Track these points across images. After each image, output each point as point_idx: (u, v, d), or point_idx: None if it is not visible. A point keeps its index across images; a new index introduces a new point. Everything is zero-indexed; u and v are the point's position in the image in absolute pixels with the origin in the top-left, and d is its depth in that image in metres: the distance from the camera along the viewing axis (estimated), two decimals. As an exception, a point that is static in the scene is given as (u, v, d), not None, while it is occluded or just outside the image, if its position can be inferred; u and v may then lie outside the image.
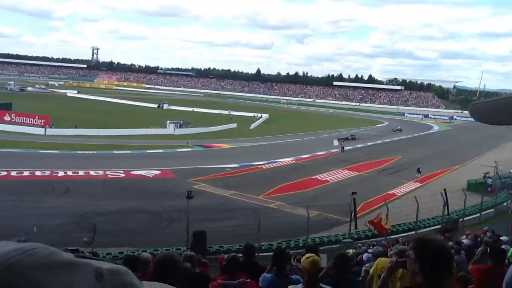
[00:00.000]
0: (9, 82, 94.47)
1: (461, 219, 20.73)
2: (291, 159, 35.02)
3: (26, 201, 20.26)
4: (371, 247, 14.21)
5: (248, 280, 4.92)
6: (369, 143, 47.30)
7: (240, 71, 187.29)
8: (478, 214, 21.96)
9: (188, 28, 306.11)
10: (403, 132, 59.78)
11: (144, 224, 17.94)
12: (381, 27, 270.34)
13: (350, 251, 12.38)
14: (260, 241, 15.22)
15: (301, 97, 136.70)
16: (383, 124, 72.37)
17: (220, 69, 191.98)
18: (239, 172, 29.24)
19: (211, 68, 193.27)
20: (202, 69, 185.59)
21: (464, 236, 12.84)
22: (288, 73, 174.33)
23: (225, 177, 27.33)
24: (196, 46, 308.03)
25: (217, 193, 23.71)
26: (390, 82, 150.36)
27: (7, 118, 45.61)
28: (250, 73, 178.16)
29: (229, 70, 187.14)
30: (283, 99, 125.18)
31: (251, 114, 68.36)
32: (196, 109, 72.66)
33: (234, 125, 55.64)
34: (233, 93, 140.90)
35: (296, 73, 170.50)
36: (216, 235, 15.85)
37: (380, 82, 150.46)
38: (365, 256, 9.72)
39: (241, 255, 5.85)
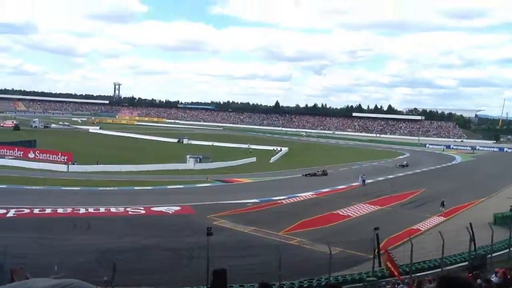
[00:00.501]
0: (34, 120, 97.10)
1: (489, 255, 20.02)
2: (311, 193, 34.73)
3: (48, 238, 20.44)
4: (396, 286, 13.84)
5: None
6: (390, 176, 46.70)
7: (259, 103, 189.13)
8: (507, 250, 21.19)
9: (207, 61, 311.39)
10: (410, 167, 55.39)
11: (164, 262, 17.83)
12: (399, 56, 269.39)
13: (374, 291, 12.06)
14: (281, 280, 14.96)
15: (320, 129, 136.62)
16: (405, 156, 71.56)
17: (239, 102, 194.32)
18: (260, 208, 29.05)
19: (230, 101, 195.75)
20: (221, 103, 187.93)
21: (494, 274, 12.38)
22: (306, 105, 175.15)
23: (245, 213, 27.18)
24: (215, 79, 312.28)
25: (237, 230, 23.54)
26: (410, 112, 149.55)
27: (31, 155, 46.61)
28: (268, 105, 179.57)
29: (248, 103, 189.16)
30: (302, 131, 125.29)
31: (271, 148, 68.46)
32: (215, 143, 73.16)
33: (254, 159, 55.70)
34: (252, 126, 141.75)
35: (315, 105, 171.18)
36: (237, 274, 15.64)
37: (400, 113, 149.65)
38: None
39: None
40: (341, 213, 28.42)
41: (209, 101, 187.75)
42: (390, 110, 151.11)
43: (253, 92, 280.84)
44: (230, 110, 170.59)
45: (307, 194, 34.16)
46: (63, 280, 0.46)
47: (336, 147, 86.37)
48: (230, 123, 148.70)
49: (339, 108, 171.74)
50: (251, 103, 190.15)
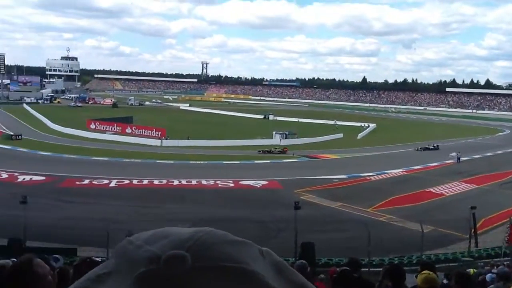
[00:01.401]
0: (130, 98, 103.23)
1: None
2: (401, 170, 33.57)
3: (145, 207, 21.89)
4: (495, 267, 13.08)
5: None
6: (489, 153, 43.72)
7: (345, 80, 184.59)
8: None
9: (292, 38, 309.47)
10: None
11: (252, 233, 18.26)
12: (499, 27, 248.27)
13: (471, 270, 11.49)
14: (370, 256, 14.78)
15: (411, 105, 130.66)
16: (504, 133, 66.53)
17: (324, 79, 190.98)
18: (347, 184, 28.70)
19: (315, 78, 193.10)
20: (306, 79, 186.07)
21: None
22: (396, 81, 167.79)
23: (332, 188, 27.03)
24: (300, 56, 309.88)
25: (325, 205, 23.51)
26: (511, 86, 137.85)
27: (128, 130, 49.90)
28: (355, 81, 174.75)
29: (334, 80, 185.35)
30: (391, 107, 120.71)
31: (358, 124, 66.89)
32: (301, 119, 72.95)
33: (341, 135, 54.86)
34: (338, 102, 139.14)
35: (405, 80, 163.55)
36: (324, 247, 15.67)
37: (499, 87, 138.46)
38: (488, 276, 9.00)
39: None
40: (434, 191, 27.24)
41: (294, 78, 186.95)
42: (488, 84, 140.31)
43: (339, 69, 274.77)
44: (315, 86, 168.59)
45: (397, 171, 33.08)
46: (202, 228, 0.52)
47: (428, 123, 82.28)
48: (315, 100, 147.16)
49: (431, 83, 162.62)
50: (337, 79, 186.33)
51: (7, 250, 13.04)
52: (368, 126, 65.38)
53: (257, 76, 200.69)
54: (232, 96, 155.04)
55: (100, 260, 2.69)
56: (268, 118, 77.28)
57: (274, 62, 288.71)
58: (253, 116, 79.48)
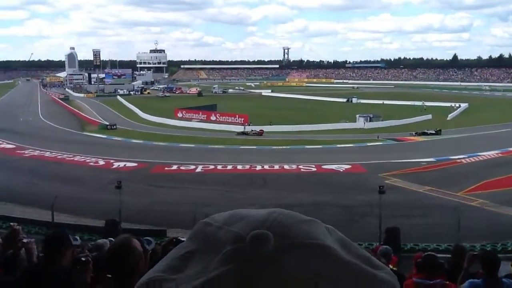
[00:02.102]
0: (214, 86, 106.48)
1: None
2: (496, 152, 31.29)
3: (229, 191, 22.50)
4: None
5: (447, 282, 4.60)
6: None
7: (434, 58, 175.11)
8: None
9: (376, 18, 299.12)
10: None
11: (335, 218, 18.05)
12: None
13: None
14: (460, 242, 14.02)
15: (507, 82, 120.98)
16: None
17: (411, 58, 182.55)
18: (436, 167, 27.32)
19: (401, 57, 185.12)
20: (392, 60, 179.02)
21: None
22: (490, 56, 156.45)
23: (420, 172, 25.87)
24: (385, 36, 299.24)
25: (411, 189, 22.61)
26: None
27: (213, 118, 51.50)
28: (445, 59, 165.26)
29: (421, 58, 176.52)
30: (485, 85, 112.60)
31: (448, 104, 63.27)
32: (386, 102, 70.50)
33: (429, 116, 52.31)
34: (426, 82, 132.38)
35: (501, 56, 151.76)
36: (410, 233, 15.12)
37: None
38: None
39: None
40: (533, 174, 25.11)
41: (379, 59, 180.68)
42: None
43: (426, 47, 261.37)
44: (401, 66, 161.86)
45: (491, 153, 30.87)
46: (269, 209, 0.57)
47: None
48: (401, 81, 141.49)
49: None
50: (424, 58, 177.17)
51: (104, 231, 14.08)
52: (459, 106, 61.69)
53: (340, 58, 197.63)
54: (314, 80, 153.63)
55: (185, 239, 2.81)
56: (352, 101, 75.62)
57: (357, 44, 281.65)
58: (336, 99, 78.19)
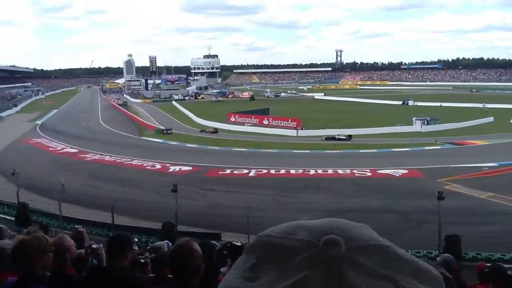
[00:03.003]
0: (266, 90, 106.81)
1: None
2: None
3: (282, 196, 22.46)
4: None
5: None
6: None
7: (495, 58, 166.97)
8: None
9: (433, 17, 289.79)
10: None
11: (391, 224, 17.63)
12: None
13: None
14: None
15: None
16: None
17: (470, 58, 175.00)
18: (499, 172, 26.02)
19: (460, 58, 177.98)
20: (450, 60, 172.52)
21: None
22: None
23: (481, 177, 24.72)
24: (443, 36, 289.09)
25: (472, 195, 21.63)
26: None
27: (265, 122, 51.70)
28: (507, 59, 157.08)
29: (482, 58, 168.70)
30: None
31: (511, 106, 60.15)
32: (444, 104, 67.98)
33: (491, 119, 49.94)
34: (488, 83, 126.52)
35: None
36: (472, 241, 14.49)
37: None
38: None
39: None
40: None
41: (436, 60, 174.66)
42: None
43: (487, 46, 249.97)
44: (460, 67, 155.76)
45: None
46: (326, 219, 0.62)
47: None
48: (460, 82, 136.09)
49: None
50: (485, 58, 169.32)
51: (161, 233, 14.47)
52: (524, 108, 58.46)
53: (395, 60, 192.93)
54: (368, 82, 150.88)
55: (240, 244, 2.88)
56: (407, 103, 73.51)
57: (413, 44, 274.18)
58: (391, 102, 76.33)
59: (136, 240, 3.89)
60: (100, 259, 3.46)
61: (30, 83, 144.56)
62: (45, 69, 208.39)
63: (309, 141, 40.11)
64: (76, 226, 5.00)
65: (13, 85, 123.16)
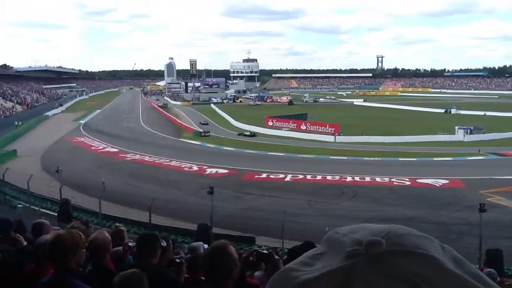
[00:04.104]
0: (305, 95, 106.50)
1: None
2: None
3: (318, 202, 22.28)
4: None
5: None
6: None
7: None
8: None
9: (479, 23, 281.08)
10: None
11: (431, 235, 17.03)
12: None
13: None
14: None
15: None
16: None
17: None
18: (546, 185, 24.93)
19: (507, 65, 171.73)
20: (496, 68, 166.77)
21: None
22: None
23: (526, 190, 23.75)
24: (488, 42, 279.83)
25: (517, 208, 20.81)
26: None
27: (303, 127, 51.48)
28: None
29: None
30: None
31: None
32: (488, 113, 65.80)
33: (539, 130, 47.92)
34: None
35: None
36: (514, 256, 13.92)
37: None
38: None
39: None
40: None
41: (481, 67, 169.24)
42: None
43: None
44: (506, 75, 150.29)
45: None
46: (391, 224, 0.68)
47: None
48: (507, 90, 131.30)
49: None
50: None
51: (196, 235, 14.63)
52: None
53: (438, 67, 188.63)
54: (410, 89, 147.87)
55: (267, 252, 2.91)
56: (450, 112, 71.56)
57: (457, 51, 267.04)
58: (433, 110, 74.47)
59: (171, 239, 3.97)
60: (136, 257, 3.55)
61: (75, 84, 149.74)
62: (90, 71, 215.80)
63: (347, 147, 39.64)
64: (117, 224, 5.14)
65: (59, 86, 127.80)
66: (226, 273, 2.59)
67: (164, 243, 3.80)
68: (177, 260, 3.87)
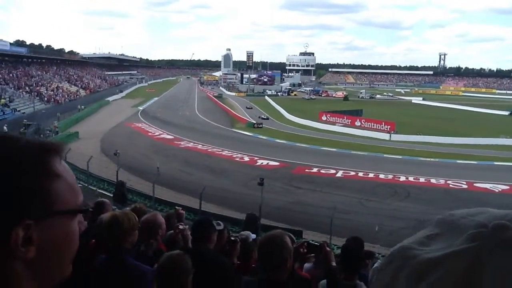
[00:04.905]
0: (361, 91, 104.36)
1: None
2: None
3: (370, 200, 21.86)
4: None
5: None
6: None
7: None
8: None
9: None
10: None
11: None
12: None
13: None
14: None
15: None
16: None
17: None
18: None
19: None
20: None
21: None
22: None
23: None
24: None
25: None
26: None
27: (357, 123, 50.56)
28: None
29: None
30: None
31: None
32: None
33: None
34: None
35: None
36: None
37: None
38: None
39: None
40: None
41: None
42: None
43: None
44: None
45: None
46: (509, 210, 0.68)
47: None
48: None
49: None
50: None
51: (244, 224, 14.78)
52: None
53: (504, 67, 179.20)
54: (472, 89, 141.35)
55: (318, 244, 2.89)
56: (515, 114, 67.92)
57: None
58: (497, 112, 70.93)
59: (221, 223, 4.03)
60: (186, 240, 3.62)
61: (135, 71, 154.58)
62: (150, 59, 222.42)
63: (402, 146, 38.58)
64: (176, 207, 5.32)
65: (121, 72, 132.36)
66: (280, 263, 2.59)
67: (221, 226, 3.87)
68: (232, 239, 3.94)
